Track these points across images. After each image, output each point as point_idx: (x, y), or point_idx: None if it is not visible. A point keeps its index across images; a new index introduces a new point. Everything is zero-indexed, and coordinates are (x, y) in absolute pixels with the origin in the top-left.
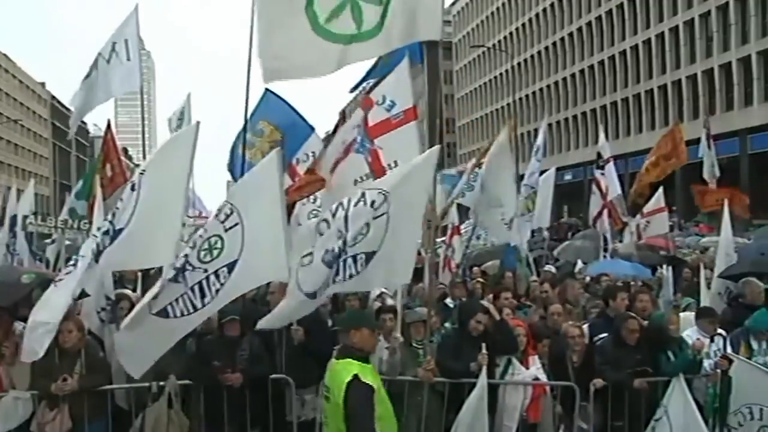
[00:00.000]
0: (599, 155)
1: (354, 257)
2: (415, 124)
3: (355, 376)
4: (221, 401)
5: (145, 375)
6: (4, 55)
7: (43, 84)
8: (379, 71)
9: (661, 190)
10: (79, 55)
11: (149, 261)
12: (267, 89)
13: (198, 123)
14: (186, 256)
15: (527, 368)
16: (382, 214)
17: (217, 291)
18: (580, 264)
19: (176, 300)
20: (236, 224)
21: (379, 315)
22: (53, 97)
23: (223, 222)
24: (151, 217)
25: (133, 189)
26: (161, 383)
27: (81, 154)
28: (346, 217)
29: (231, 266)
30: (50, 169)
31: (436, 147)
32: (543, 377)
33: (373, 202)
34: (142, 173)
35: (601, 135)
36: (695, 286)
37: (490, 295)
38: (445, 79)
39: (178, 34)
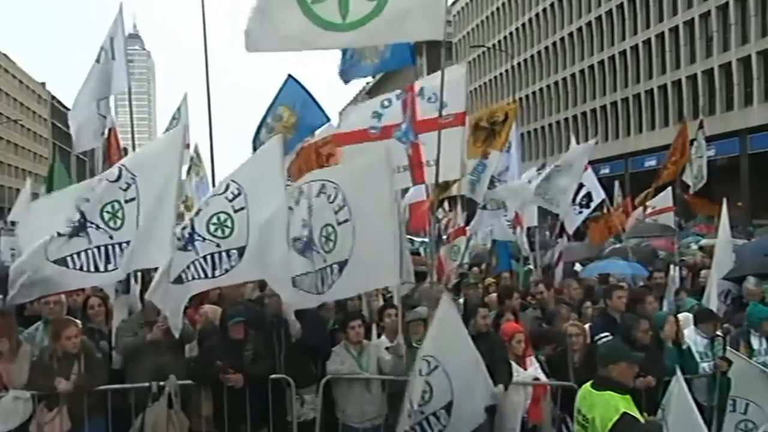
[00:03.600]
0: None
1: (330, 267)
2: (461, 130)
3: (624, 414)
4: (222, 401)
5: (145, 375)
6: (4, 55)
7: (43, 84)
8: (378, 68)
9: (669, 189)
10: (79, 55)
11: (150, 262)
12: (290, 75)
13: (186, 126)
14: (192, 225)
15: (525, 369)
16: (346, 221)
17: (227, 270)
18: (579, 265)
19: (188, 267)
20: (243, 208)
21: (383, 312)
22: (53, 97)
23: (231, 201)
24: (148, 221)
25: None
26: (161, 383)
27: (81, 154)
28: (309, 207)
29: (241, 251)
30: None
31: (384, 152)
32: (543, 378)
33: (330, 197)
34: (133, 177)
35: (573, 142)
36: (697, 287)
37: (493, 295)
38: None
39: (179, 33)
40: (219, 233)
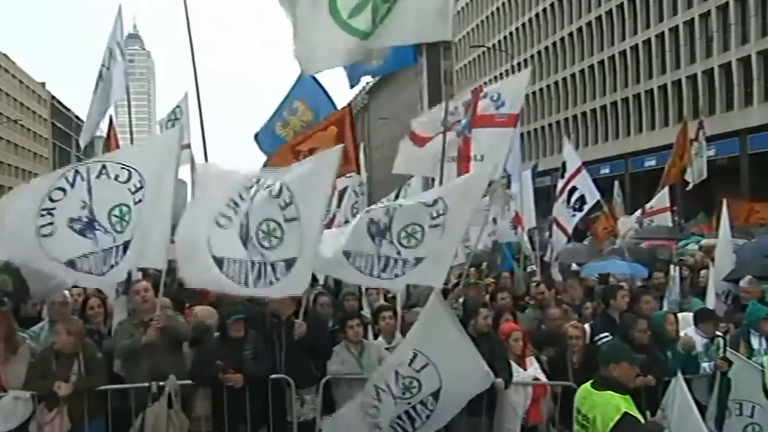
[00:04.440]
0: (564, 165)
1: (405, 261)
2: (511, 130)
3: (626, 414)
4: (222, 401)
5: (143, 377)
6: (4, 55)
7: (43, 84)
8: (382, 69)
9: (666, 189)
10: (79, 55)
11: (149, 262)
12: None
13: (182, 126)
14: (247, 222)
15: (525, 369)
16: (437, 226)
17: (271, 283)
18: (574, 265)
19: (234, 261)
20: (294, 219)
21: (379, 314)
22: (53, 97)
23: (283, 210)
24: (147, 221)
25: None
26: (161, 383)
27: (81, 154)
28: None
29: (289, 263)
30: (50, 169)
31: (486, 176)
32: (542, 378)
33: (427, 204)
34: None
35: (567, 143)
36: (697, 287)
37: (487, 296)
38: (444, 78)
39: (179, 33)
40: (266, 243)
